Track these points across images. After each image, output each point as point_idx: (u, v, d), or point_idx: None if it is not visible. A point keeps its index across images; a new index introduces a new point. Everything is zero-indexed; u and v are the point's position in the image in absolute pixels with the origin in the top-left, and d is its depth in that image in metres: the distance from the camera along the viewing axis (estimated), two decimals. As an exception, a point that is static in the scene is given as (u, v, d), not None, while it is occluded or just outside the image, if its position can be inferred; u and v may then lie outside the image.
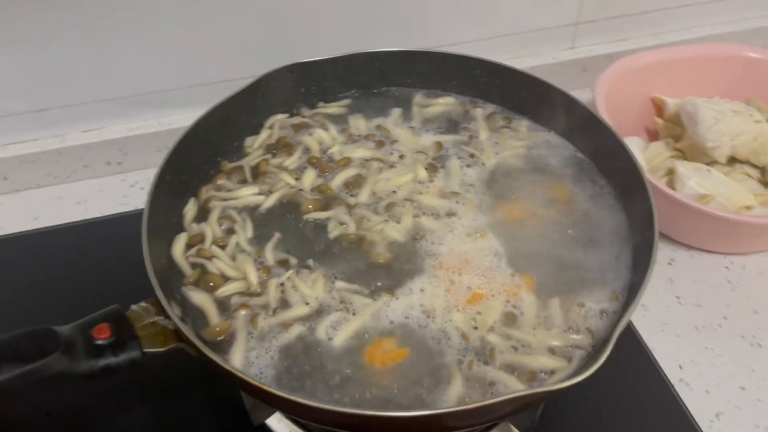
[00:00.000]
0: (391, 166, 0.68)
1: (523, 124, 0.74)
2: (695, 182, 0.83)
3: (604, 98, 0.88)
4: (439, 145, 0.70)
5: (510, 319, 0.57)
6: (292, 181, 0.66)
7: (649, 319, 0.78)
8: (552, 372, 0.54)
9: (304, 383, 0.52)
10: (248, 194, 0.65)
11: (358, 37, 0.94)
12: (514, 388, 0.53)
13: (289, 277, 0.58)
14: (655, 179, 0.86)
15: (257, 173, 0.67)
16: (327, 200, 0.65)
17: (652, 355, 0.74)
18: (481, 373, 0.54)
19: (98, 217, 0.89)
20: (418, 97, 0.77)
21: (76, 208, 0.92)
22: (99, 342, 0.49)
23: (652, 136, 0.99)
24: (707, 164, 0.87)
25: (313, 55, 0.75)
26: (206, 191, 0.66)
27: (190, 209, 0.65)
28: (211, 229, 0.63)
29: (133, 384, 0.63)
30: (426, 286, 0.58)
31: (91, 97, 0.90)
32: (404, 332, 0.56)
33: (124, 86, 0.90)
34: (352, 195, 0.66)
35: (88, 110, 0.91)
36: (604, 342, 0.50)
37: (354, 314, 0.56)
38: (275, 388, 0.47)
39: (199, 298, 0.58)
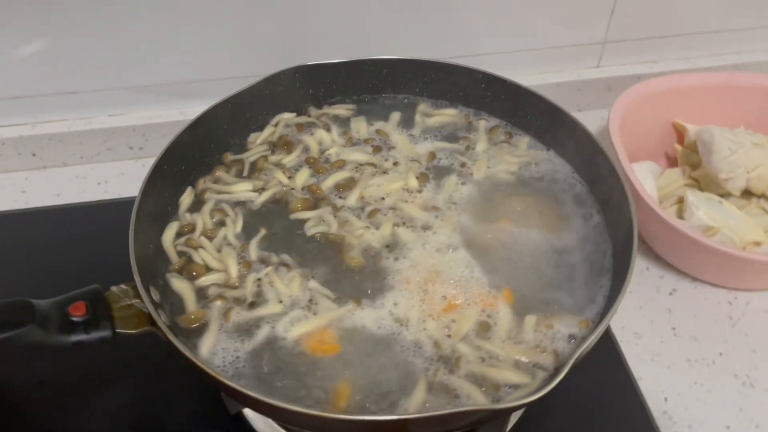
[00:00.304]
0: (385, 172, 0.69)
1: (523, 141, 0.74)
2: (704, 213, 0.82)
3: (618, 119, 0.87)
4: (432, 155, 0.71)
5: (484, 328, 0.57)
6: (285, 180, 0.68)
7: (640, 347, 0.77)
8: (516, 387, 0.54)
9: (264, 378, 0.54)
10: (242, 190, 0.67)
11: (381, 42, 0.95)
12: (476, 399, 0.53)
13: (267, 274, 0.60)
14: (660, 206, 0.85)
15: (254, 169, 0.69)
16: (316, 200, 0.67)
17: (637, 384, 0.73)
18: (446, 382, 0.54)
19: (115, 199, 0.93)
20: (423, 106, 0.77)
21: (97, 189, 0.96)
22: (73, 318, 0.52)
23: (672, 162, 0.97)
24: (721, 196, 0.85)
25: (330, 57, 0.76)
26: (204, 182, 0.69)
27: (186, 199, 0.67)
28: (202, 220, 0.65)
29: (126, 358, 0.66)
30: (399, 298, 0.59)
31: (118, 84, 0.94)
32: (373, 339, 0.56)
33: (149, 75, 0.93)
34: (340, 197, 0.67)
35: (114, 96, 0.94)
36: (561, 367, 0.50)
37: (315, 314, 0.57)
38: (229, 379, 0.49)
39: (180, 285, 0.60)
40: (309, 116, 0.77)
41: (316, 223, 0.64)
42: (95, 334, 0.52)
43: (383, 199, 0.67)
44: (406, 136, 0.74)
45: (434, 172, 0.71)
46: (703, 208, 0.82)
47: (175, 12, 0.87)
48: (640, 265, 0.85)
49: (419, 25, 0.95)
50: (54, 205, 0.93)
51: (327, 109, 0.78)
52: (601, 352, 0.74)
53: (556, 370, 0.55)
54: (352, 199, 0.66)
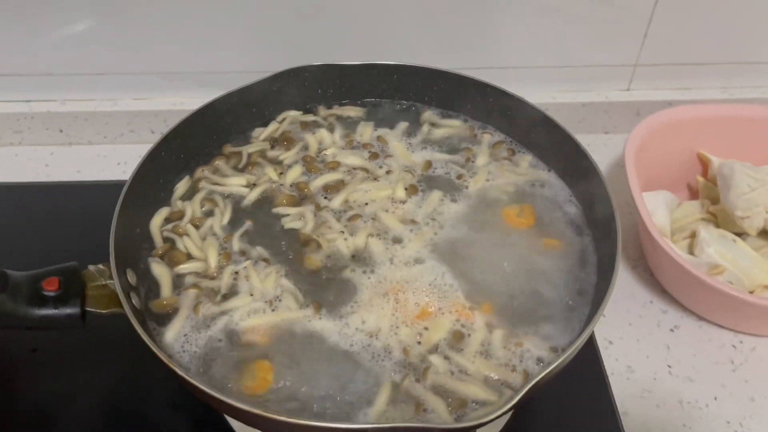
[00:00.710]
0: (376, 178, 0.69)
1: (525, 159, 0.73)
2: (715, 250, 0.78)
3: (638, 144, 0.84)
4: (428, 164, 0.70)
5: (457, 338, 0.56)
6: (274, 177, 0.68)
7: (631, 382, 0.75)
8: (483, 403, 0.53)
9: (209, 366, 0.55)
10: (235, 184, 0.68)
11: (406, 47, 0.95)
12: (441, 412, 0.52)
13: (245, 267, 0.60)
14: (672, 238, 0.82)
15: (248, 163, 0.70)
16: (301, 198, 0.67)
17: (621, 420, 0.70)
18: (412, 392, 0.54)
19: (131, 180, 0.95)
20: (428, 114, 0.77)
21: (116, 169, 0.99)
22: (45, 293, 0.53)
23: (694, 194, 0.93)
24: (738, 235, 0.81)
25: (354, 59, 0.77)
26: (201, 171, 0.70)
27: (182, 186, 0.69)
28: (192, 208, 0.66)
29: (123, 333, 0.67)
30: (367, 314, 0.58)
31: (145, 69, 0.96)
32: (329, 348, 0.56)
33: (173, 63, 0.95)
34: (326, 198, 0.67)
35: (140, 80, 0.97)
36: (517, 392, 0.49)
37: (273, 311, 0.57)
38: (180, 368, 0.49)
39: (159, 270, 0.61)
40: (317, 115, 0.77)
41: (295, 219, 0.64)
42: (63, 310, 0.53)
43: (366, 204, 0.66)
44: (406, 144, 0.73)
45: (426, 184, 0.70)
46: (715, 246, 0.78)
47: (202, 4, 0.89)
48: (643, 298, 0.83)
49: (447, 33, 0.94)
50: (74, 181, 0.96)
51: (336, 110, 0.78)
52: (588, 382, 0.72)
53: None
54: (337, 201, 0.66)
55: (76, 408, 0.69)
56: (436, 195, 0.67)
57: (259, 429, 0.51)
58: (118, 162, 0.99)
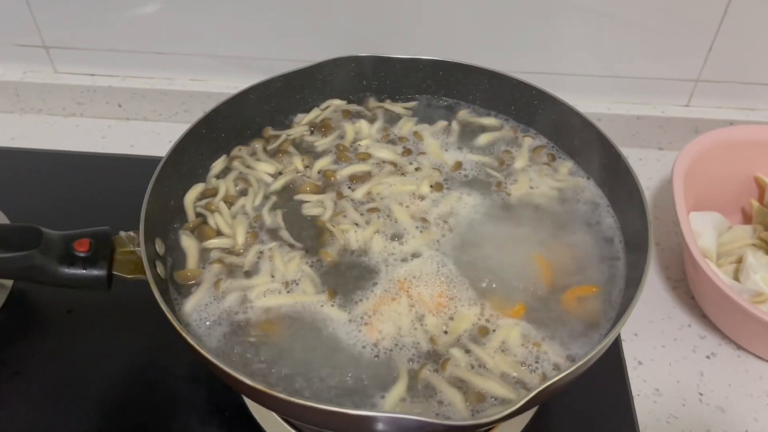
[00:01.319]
0: (403, 174, 0.68)
1: (565, 166, 0.71)
2: (761, 277, 0.75)
3: (689, 162, 0.81)
4: (458, 164, 0.69)
5: (482, 332, 0.56)
6: (300, 167, 0.69)
7: (658, 406, 0.72)
8: (502, 401, 0.52)
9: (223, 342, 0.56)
10: (262, 170, 0.69)
11: (460, 45, 0.95)
12: (458, 406, 0.52)
13: (270, 248, 0.61)
14: (718, 262, 0.78)
15: (277, 150, 0.71)
16: (326, 186, 0.67)
17: (642, 447, 0.68)
18: (431, 382, 0.53)
19: (179, 158, 0.98)
20: (463, 113, 0.76)
21: (167, 146, 0.99)
22: (76, 253, 0.55)
23: (747, 218, 0.89)
24: (790, 263, 0.77)
25: (413, 53, 0.77)
26: (238, 150, 0.71)
27: (218, 165, 0.70)
28: (225, 185, 0.67)
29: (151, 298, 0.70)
30: (380, 323, 0.57)
31: (202, 51, 0.99)
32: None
33: (231, 48, 0.98)
34: (350, 188, 0.67)
35: (197, 62, 1.00)
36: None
37: (288, 293, 0.58)
38: (191, 337, 0.50)
39: (187, 242, 0.63)
40: (365, 107, 0.77)
41: (315, 206, 0.65)
42: (91, 271, 0.55)
43: (384, 199, 0.66)
44: (441, 143, 0.72)
45: (454, 184, 0.69)
46: (761, 273, 0.75)
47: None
48: (681, 321, 0.79)
49: (500, 34, 0.93)
50: (127, 154, 0.99)
51: (386, 104, 0.78)
52: (611, 400, 0.70)
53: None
54: (360, 192, 0.66)
55: (103, 370, 0.71)
56: (454, 196, 0.67)
57: (264, 405, 0.52)
58: (169, 140, 1.00)
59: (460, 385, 0.53)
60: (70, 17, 0.96)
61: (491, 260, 0.61)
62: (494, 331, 0.57)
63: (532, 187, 0.68)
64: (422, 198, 0.66)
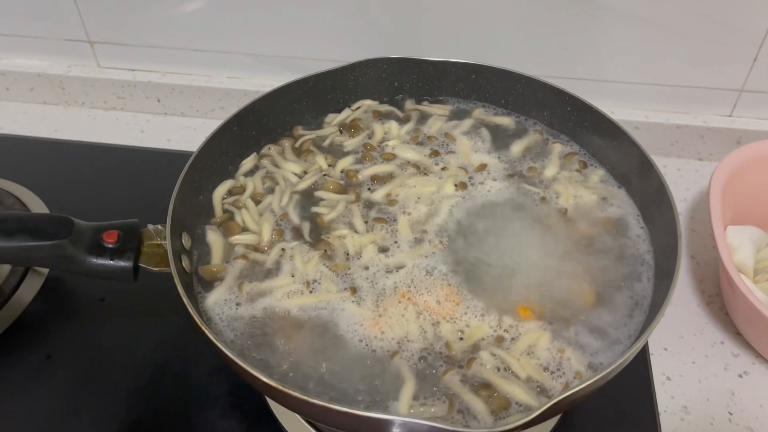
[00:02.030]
0: (426, 174, 0.68)
1: (597, 174, 0.70)
2: (799, 296, 0.72)
3: (728, 174, 0.79)
4: (482, 166, 0.69)
5: (498, 340, 0.56)
6: (324, 166, 0.69)
7: (685, 424, 0.70)
8: (527, 408, 0.52)
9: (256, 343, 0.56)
10: (288, 170, 0.69)
11: (498, 49, 0.94)
12: (480, 412, 0.52)
13: (292, 247, 0.62)
14: (754, 278, 0.76)
15: (302, 150, 0.71)
16: (347, 185, 0.67)
17: (666, 466, 0.66)
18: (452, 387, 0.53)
19: (214, 154, 1.00)
20: (478, 112, 0.76)
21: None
22: (104, 244, 0.57)
23: (789, 234, 0.86)
24: (831, 283, 0.74)
25: (450, 56, 0.76)
26: (267, 149, 0.72)
27: (248, 162, 0.71)
28: (253, 183, 0.68)
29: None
30: (387, 327, 0.57)
31: (240, 50, 1.00)
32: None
33: (267, 46, 0.99)
34: (369, 189, 0.67)
35: (234, 60, 1.01)
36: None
37: (311, 293, 0.58)
38: (212, 334, 0.51)
39: (213, 237, 0.63)
40: (403, 109, 0.77)
41: (326, 205, 0.65)
42: (118, 263, 0.57)
43: (419, 199, 0.66)
44: (473, 144, 0.72)
45: (474, 181, 0.68)
46: (800, 291, 0.72)
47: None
48: (714, 338, 0.77)
49: (538, 39, 0.92)
50: (163, 149, 1.01)
51: (423, 106, 0.78)
52: (636, 415, 0.69)
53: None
54: (381, 193, 0.66)
55: (130, 358, 0.73)
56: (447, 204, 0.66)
57: (280, 403, 0.52)
58: (205, 135, 1.03)
59: (483, 390, 0.53)
60: (114, 14, 0.98)
61: (513, 265, 0.61)
62: (518, 336, 0.56)
63: (574, 197, 0.67)
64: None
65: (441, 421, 0.50)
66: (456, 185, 0.67)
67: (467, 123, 0.75)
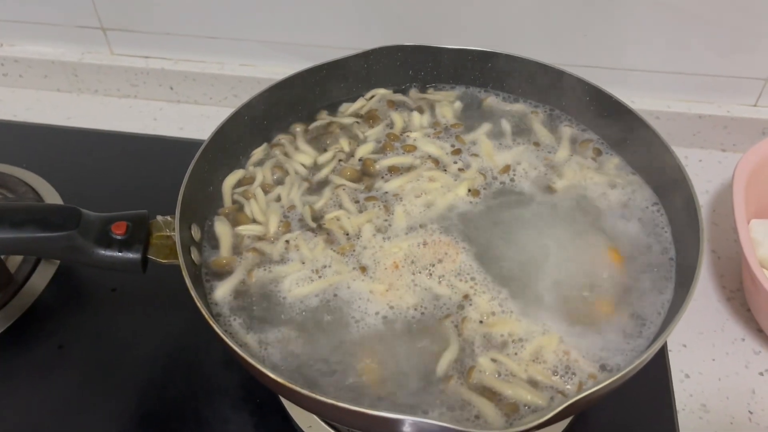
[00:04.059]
0: (445, 170, 0.67)
1: (612, 162, 0.68)
2: (824, 293, 0.69)
3: (752, 166, 0.77)
4: (507, 167, 0.67)
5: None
6: (346, 148, 0.68)
7: (704, 423, 0.68)
8: (534, 409, 0.51)
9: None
10: (299, 161, 0.68)
11: (517, 38, 0.92)
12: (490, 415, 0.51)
13: (296, 237, 0.61)
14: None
15: (324, 132, 0.70)
16: (362, 174, 0.66)
17: (684, 466, 0.65)
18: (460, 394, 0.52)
19: (225, 142, 0.99)
20: (491, 99, 0.74)
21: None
22: (113, 235, 0.56)
23: (814, 228, 0.83)
24: None
25: (463, 43, 0.75)
26: (279, 139, 0.71)
27: (258, 152, 0.70)
28: (262, 173, 0.67)
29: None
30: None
31: (253, 37, 0.99)
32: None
33: (281, 33, 0.97)
34: (383, 178, 0.66)
35: (248, 47, 1.00)
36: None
37: (320, 278, 0.57)
38: (218, 327, 0.50)
39: (221, 228, 0.63)
40: (408, 97, 0.76)
41: (333, 193, 0.65)
42: (126, 254, 0.56)
43: (424, 194, 0.65)
44: (495, 144, 0.70)
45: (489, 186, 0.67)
46: (826, 288, 0.70)
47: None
48: (735, 334, 0.75)
49: (557, 26, 0.90)
50: (176, 137, 1.01)
51: (429, 94, 0.76)
52: (653, 414, 0.67)
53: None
54: (394, 184, 0.65)
55: (142, 349, 0.73)
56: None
57: (286, 398, 0.51)
58: (218, 123, 1.03)
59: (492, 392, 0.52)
60: (127, 1, 0.98)
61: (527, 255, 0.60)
62: (527, 340, 0.54)
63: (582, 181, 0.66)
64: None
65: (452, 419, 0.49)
66: (470, 190, 0.65)
67: (486, 126, 0.73)
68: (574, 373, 0.52)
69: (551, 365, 0.53)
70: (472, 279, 0.58)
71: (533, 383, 0.52)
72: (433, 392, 0.51)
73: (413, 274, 0.58)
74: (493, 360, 0.53)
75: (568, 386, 0.52)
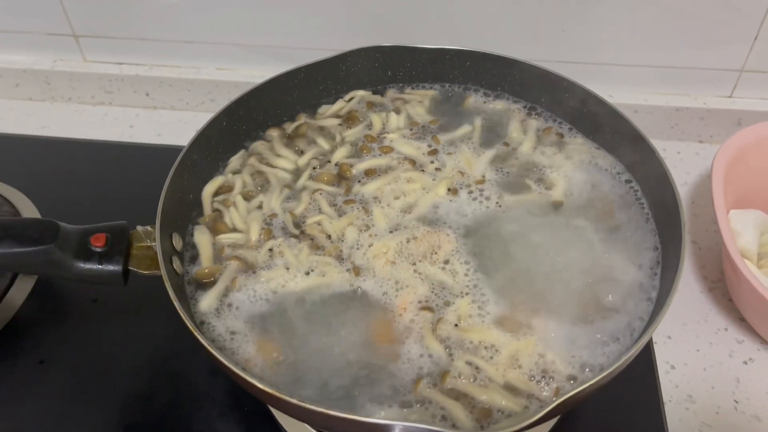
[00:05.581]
0: (422, 171, 0.66)
1: (576, 141, 0.69)
2: (804, 281, 0.71)
3: (730, 157, 0.77)
4: (482, 180, 0.67)
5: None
6: (326, 147, 0.68)
7: (690, 413, 0.69)
8: (508, 414, 0.50)
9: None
10: (281, 167, 0.68)
11: (496, 36, 0.92)
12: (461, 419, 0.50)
13: (279, 244, 0.60)
14: (758, 263, 0.75)
15: (296, 135, 0.70)
16: (339, 178, 0.66)
17: (671, 455, 0.65)
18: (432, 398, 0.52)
19: (206, 148, 0.98)
20: (472, 99, 0.74)
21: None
22: (92, 248, 0.55)
23: (792, 217, 0.85)
24: (836, 266, 0.73)
25: (434, 43, 0.74)
26: (257, 146, 0.70)
27: (236, 160, 0.69)
28: (241, 180, 0.66)
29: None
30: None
31: (229, 40, 0.98)
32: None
33: (257, 36, 0.96)
34: (359, 182, 0.66)
35: (224, 51, 0.99)
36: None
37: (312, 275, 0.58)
38: (204, 339, 0.49)
39: (200, 238, 0.62)
40: (383, 97, 0.75)
41: (311, 198, 0.65)
42: (107, 266, 0.55)
43: (404, 196, 0.65)
44: (470, 148, 0.70)
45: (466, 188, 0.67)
46: (805, 276, 0.71)
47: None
48: (717, 324, 0.76)
49: (533, 22, 0.90)
50: (153, 144, 0.99)
51: (405, 94, 0.76)
52: (640, 406, 0.67)
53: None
54: (372, 186, 0.65)
55: (125, 360, 0.72)
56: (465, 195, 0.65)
57: (271, 404, 0.51)
58: (196, 129, 1.01)
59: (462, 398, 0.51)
60: (99, 6, 0.96)
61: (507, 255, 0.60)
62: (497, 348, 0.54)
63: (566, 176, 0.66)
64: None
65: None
66: (449, 189, 0.65)
67: (464, 129, 0.72)
68: (552, 377, 0.52)
69: (527, 369, 0.53)
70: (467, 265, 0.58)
71: (510, 388, 0.52)
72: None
73: (413, 264, 0.58)
74: (468, 363, 0.53)
75: (545, 392, 0.51)
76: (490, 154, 0.68)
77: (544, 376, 0.52)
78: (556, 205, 0.64)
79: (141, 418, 0.68)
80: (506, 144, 0.70)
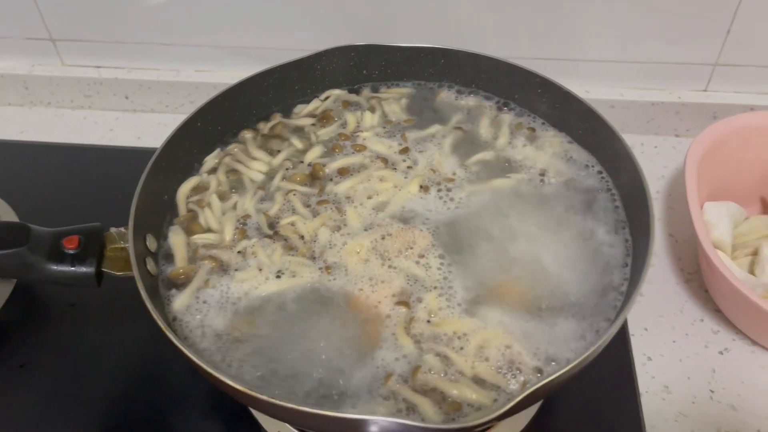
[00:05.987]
0: (394, 169, 0.67)
1: (548, 133, 0.70)
2: (777, 271, 0.71)
3: (703, 150, 0.78)
4: (451, 179, 0.67)
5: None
6: (300, 146, 0.69)
7: (667, 403, 0.70)
8: (477, 408, 0.51)
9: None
10: (255, 168, 0.68)
11: (470, 34, 0.92)
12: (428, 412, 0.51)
13: (253, 244, 0.60)
14: (732, 254, 0.75)
15: (271, 135, 0.70)
16: (313, 178, 0.66)
17: (647, 444, 0.66)
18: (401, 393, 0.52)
19: (186, 150, 0.98)
20: (444, 94, 0.75)
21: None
22: (64, 250, 0.55)
23: (767, 208, 0.86)
24: (810, 256, 0.74)
25: (415, 42, 0.75)
26: (233, 147, 0.70)
27: (211, 159, 0.69)
28: (216, 180, 0.66)
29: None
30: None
31: (208, 42, 0.98)
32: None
33: (235, 37, 0.96)
34: (332, 181, 0.66)
35: (202, 53, 0.99)
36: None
37: (278, 278, 0.58)
38: (176, 338, 0.50)
39: (174, 238, 0.62)
40: (358, 96, 0.76)
41: (286, 198, 0.65)
42: (80, 268, 0.55)
43: (376, 195, 0.65)
44: (438, 148, 0.70)
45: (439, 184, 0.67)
46: (778, 266, 0.71)
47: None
48: (693, 315, 0.77)
49: (513, 18, 0.90)
50: (133, 147, 0.99)
51: (381, 93, 0.76)
52: (617, 398, 0.68)
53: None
54: (344, 186, 0.65)
55: (106, 363, 0.72)
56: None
57: (247, 404, 0.51)
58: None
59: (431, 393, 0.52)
60: (76, 10, 0.96)
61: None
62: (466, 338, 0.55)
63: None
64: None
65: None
66: (421, 186, 0.65)
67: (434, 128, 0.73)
68: (519, 369, 0.52)
69: (494, 362, 0.53)
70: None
71: (479, 381, 0.52)
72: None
73: (387, 259, 0.59)
74: (437, 354, 0.53)
75: (512, 385, 0.52)
76: (461, 151, 0.69)
77: (510, 368, 0.52)
78: (528, 196, 0.64)
79: (122, 420, 0.68)
80: (477, 140, 0.70)
